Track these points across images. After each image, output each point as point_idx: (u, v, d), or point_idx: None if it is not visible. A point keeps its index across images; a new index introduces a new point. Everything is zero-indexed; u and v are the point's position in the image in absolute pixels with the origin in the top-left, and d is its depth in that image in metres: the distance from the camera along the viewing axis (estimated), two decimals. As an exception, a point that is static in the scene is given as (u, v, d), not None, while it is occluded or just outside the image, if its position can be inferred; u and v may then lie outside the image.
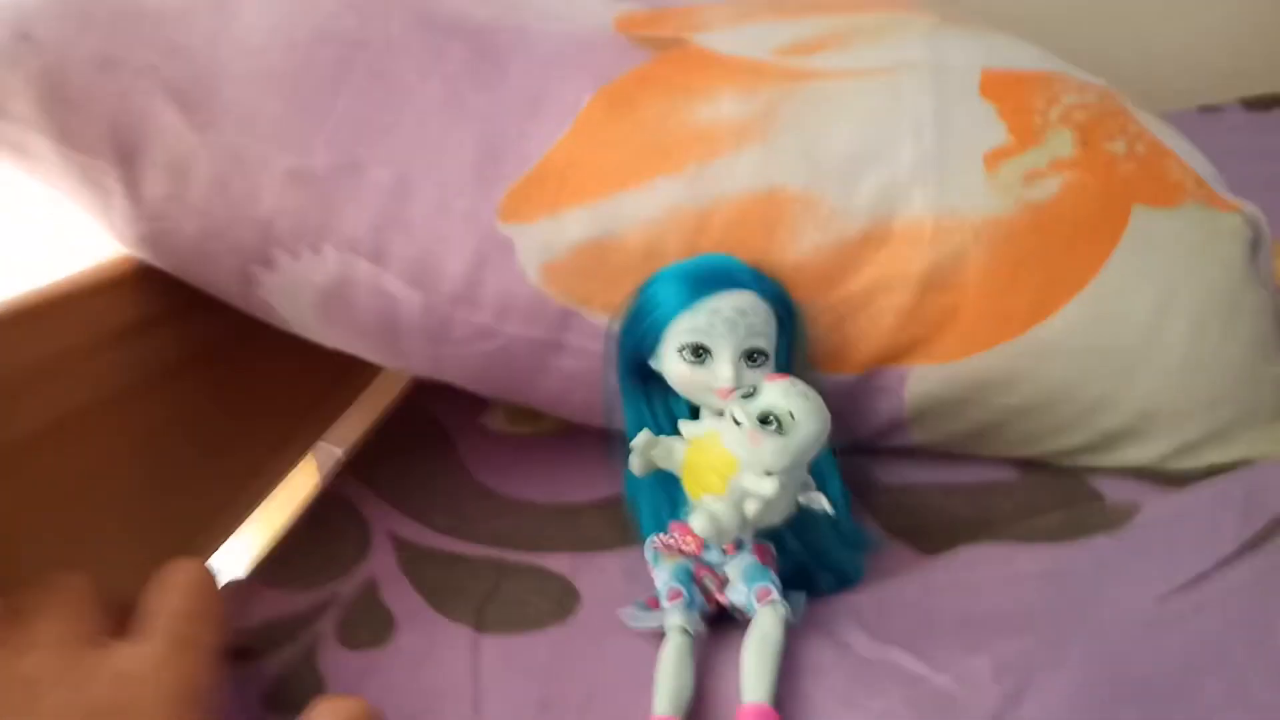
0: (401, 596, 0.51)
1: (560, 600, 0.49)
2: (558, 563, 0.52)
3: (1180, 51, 1.28)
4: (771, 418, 0.41)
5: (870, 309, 0.51)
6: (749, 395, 0.43)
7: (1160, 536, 0.45)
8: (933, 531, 0.49)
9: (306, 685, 0.45)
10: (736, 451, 0.42)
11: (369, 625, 0.49)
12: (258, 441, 0.67)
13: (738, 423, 0.42)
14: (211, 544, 0.61)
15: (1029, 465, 0.54)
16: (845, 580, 0.46)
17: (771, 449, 0.41)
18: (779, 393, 0.42)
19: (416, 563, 0.54)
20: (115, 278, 0.55)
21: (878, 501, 0.52)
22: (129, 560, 0.53)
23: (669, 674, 0.40)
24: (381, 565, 0.54)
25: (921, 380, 0.51)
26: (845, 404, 0.52)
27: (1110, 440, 0.51)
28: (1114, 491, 0.50)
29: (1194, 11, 1.28)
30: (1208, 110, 1.12)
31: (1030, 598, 0.43)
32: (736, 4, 0.59)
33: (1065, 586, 0.43)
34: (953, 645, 0.40)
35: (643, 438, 0.44)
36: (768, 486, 0.41)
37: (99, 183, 0.50)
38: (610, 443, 0.55)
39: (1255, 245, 0.51)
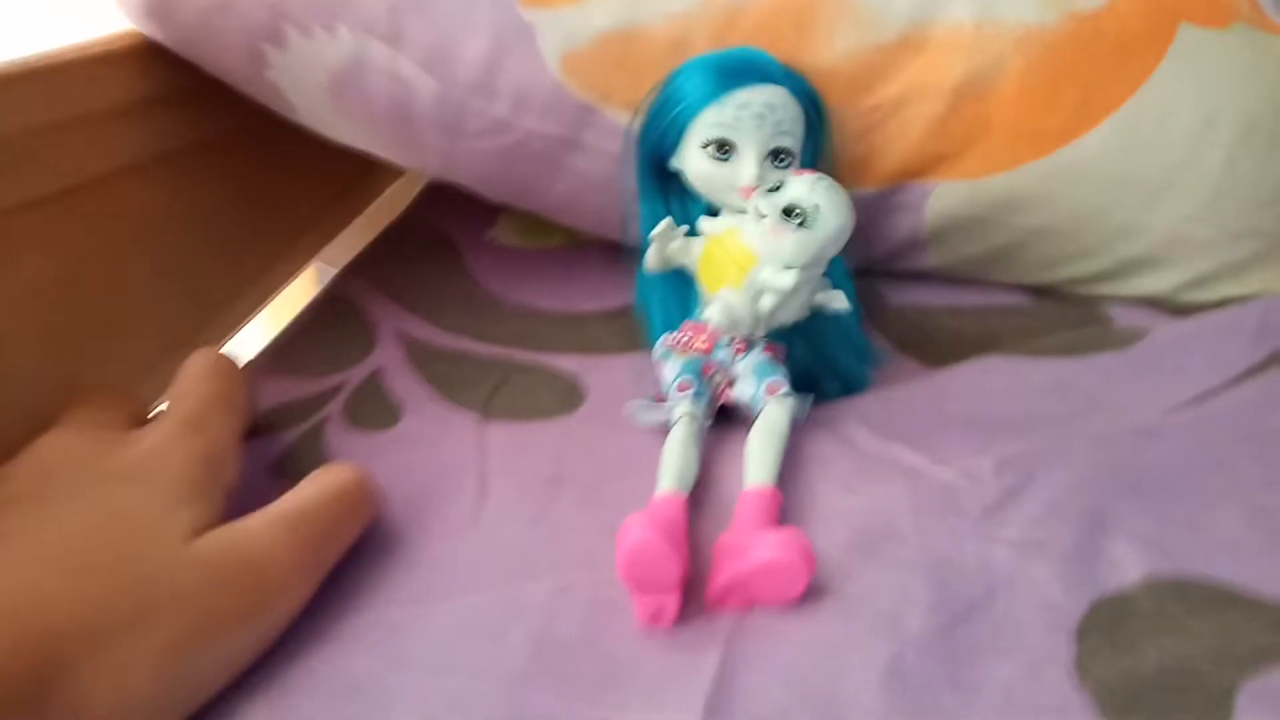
0: (408, 386, 0.51)
1: (567, 395, 0.49)
2: (565, 362, 0.52)
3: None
4: (796, 210, 0.40)
5: (900, 118, 0.49)
6: (774, 190, 0.42)
7: (1169, 355, 0.45)
8: (941, 348, 0.49)
9: (312, 460, 0.46)
10: (757, 245, 0.41)
11: (376, 410, 0.49)
12: (262, 241, 0.66)
13: (761, 216, 0.41)
14: (217, 336, 0.61)
15: (1040, 291, 0.54)
16: (852, 389, 0.46)
17: (793, 241, 0.40)
18: (805, 186, 0.41)
19: (423, 357, 0.54)
20: (123, 50, 0.52)
21: (887, 319, 0.52)
22: (131, 341, 0.53)
23: (675, 454, 0.40)
24: (389, 359, 0.54)
25: (945, 197, 0.50)
26: (865, 220, 0.51)
27: (1127, 268, 0.51)
28: (1124, 318, 0.50)
29: None
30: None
31: (1036, 405, 0.43)
32: None
33: (1071, 396, 0.43)
34: (956, 444, 0.41)
35: (663, 224, 0.43)
36: (786, 279, 0.40)
37: None
38: (620, 257, 0.55)
39: (1301, 73, 0.50)
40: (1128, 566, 0.34)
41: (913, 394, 0.45)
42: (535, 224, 0.67)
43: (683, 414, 0.42)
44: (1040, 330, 0.50)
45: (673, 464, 0.40)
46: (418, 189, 0.78)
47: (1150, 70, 0.48)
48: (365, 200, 0.80)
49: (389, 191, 0.84)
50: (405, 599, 0.37)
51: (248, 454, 0.46)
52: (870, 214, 0.52)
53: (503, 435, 0.46)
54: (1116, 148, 0.48)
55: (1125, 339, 0.47)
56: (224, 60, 0.52)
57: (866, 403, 0.45)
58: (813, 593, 0.34)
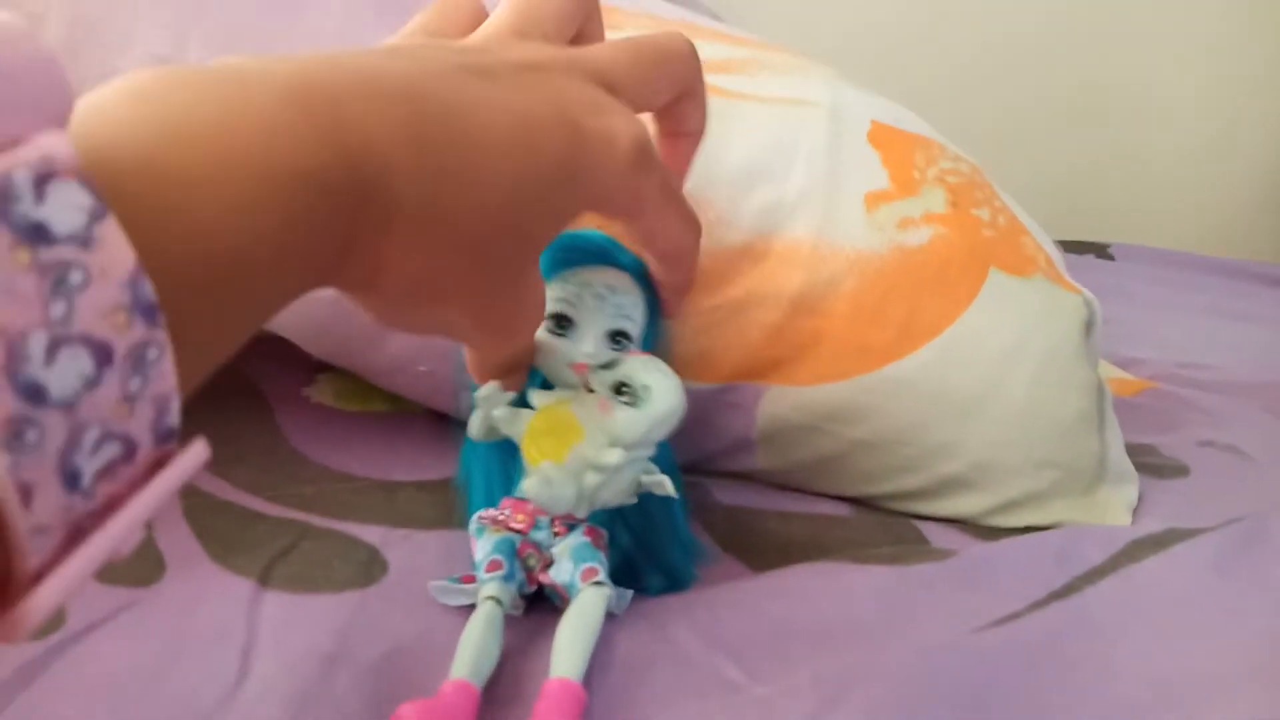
0: (179, 543, 0.45)
1: (367, 567, 0.44)
2: (368, 533, 0.47)
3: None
4: (626, 388, 0.40)
5: (739, 320, 0.50)
6: (607, 366, 0.41)
7: (982, 574, 0.46)
8: (766, 551, 0.48)
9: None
10: (585, 419, 0.40)
11: (134, 564, 0.42)
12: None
13: (591, 391, 0.40)
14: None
15: (861, 505, 0.54)
16: (675, 584, 0.44)
17: (623, 419, 0.39)
18: (639, 365, 0.40)
19: (203, 512, 0.48)
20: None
21: (714, 517, 0.51)
22: None
23: (473, 640, 0.36)
24: (163, 510, 0.47)
25: (776, 401, 0.51)
26: (697, 414, 0.51)
27: (944, 487, 0.52)
28: (937, 538, 0.51)
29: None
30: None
31: (856, 610, 0.42)
32: (654, 18, 0.60)
33: (889, 602, 0.43)
34: (776, 656, 0.39)
35: (488, 387, 0.41)
36: (612, 456, 0.38)
37: None
38: (443, 430, 0.52)
39: (1090, 325, 0.55)
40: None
41: (736, 595, 0.43)
42: (356, 387, 0.63)
43: (487, 596, 0.38)
44: (863, 541, 0.50)
45: (468, 650, 0.36)
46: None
47: (966, 304, 0.52)
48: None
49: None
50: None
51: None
52: (704, 409, 0.52)
53: (279, 606, 0.40)
54: (936, 369, 0.51)
55: (941, 554, 0.47)
56: None
57: (693, 603, 0.42)
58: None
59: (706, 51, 0.57)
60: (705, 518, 0.52)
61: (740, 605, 0.42)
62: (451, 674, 0.35)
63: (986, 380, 0.51)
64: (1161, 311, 1.03)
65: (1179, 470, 0.61)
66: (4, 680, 0.34)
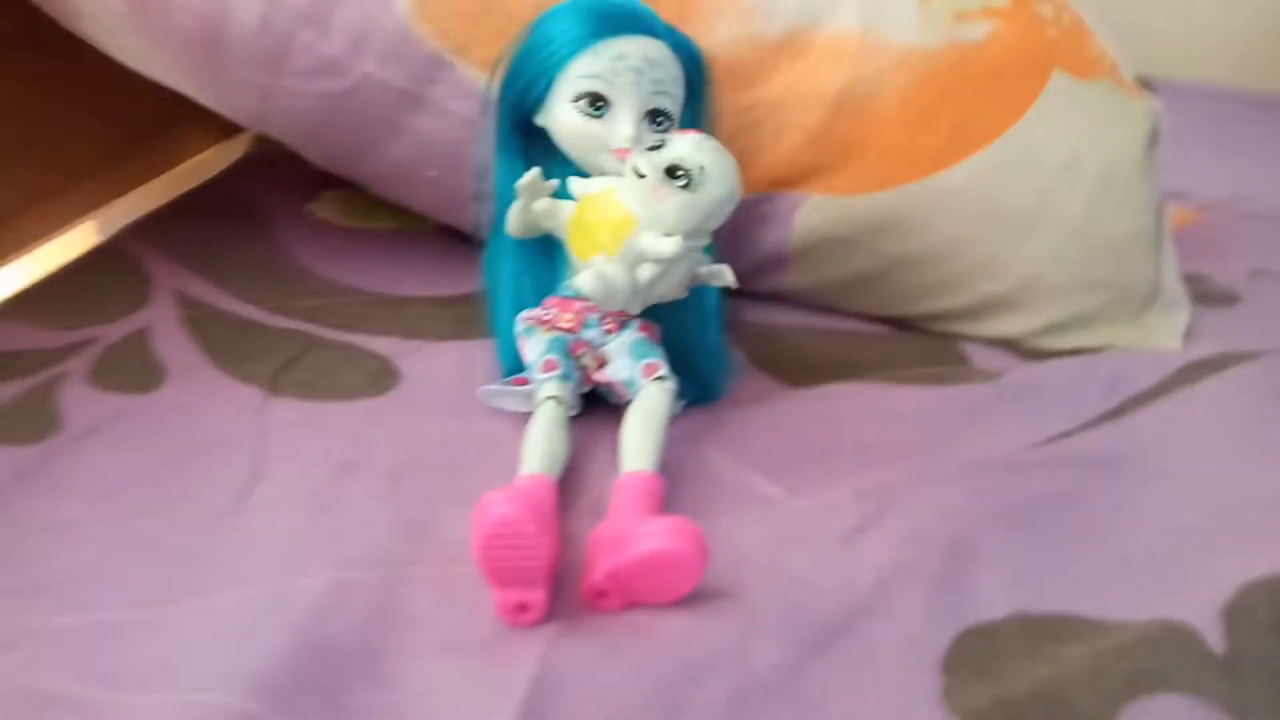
0: (178, 351, 0.42)
1: (377, 376, 0.42)
2: (378, 344, 0.45)
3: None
4: (680, 171, 0.36)
5: (776, 122, 0.46)
6: (655, 148, 0.37)
7: (1030, 396, 0.44)
8: (798, 368, 0.46)
9: (36, 417, 0.36)
10: (636, 208, 0.36)
11: (131, 371, 0.40)
12: (29, 177, 0.55)
13: (640, 175, 0.36)
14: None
15: (899, 326, 0.51)
16: (707, 394, 0.42)
17: (677, 205, 0.36)
18: (690, 145, 0.37)
19: (203, 322, 0.45)
20: None
21: (746, 334, 0.48)
22: None
23: (541, 438, 0.34)
24: (159, 318, 0.45)
25: (814, 211, 0.48)
26: (728, 228, 0.48)
27: (987, 307, 0.49)
28: (980, 358, 0.48)
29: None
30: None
31: (897, 433, 0.40)
32: None
33: (932, 424, 0.41)
34: (813, 473, 0.37)
35: (531, 174, 0.37)
36: (667, 246, 0.35)
37: None
38: (454, 246, 0.49)
39: (1154, 137, 0.51)
40: (993, 601, 0.31)
41: (768, 416, 0.41)
42: (362, 203, 0.59)
43: (548, 396, 0.36)
44: (902, 359, 0.47)
45: (539, 447, 0.34)
46: (230, 160, 0.68)
47: (1024, 109, 0.47)
48: (166, 160, 0.70)
49: (197, 160, 0.74)
50: (136, 598, 0.29)
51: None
52: (737, 221, 0.48)
53: (290, 413, 0.38)
54: (986, 179, 0.47)
55: (985, 376, 0.45)
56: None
57: (724, 421, 0.40)
58: (651, 620, 0.29)
59: None
60: (738, 334, 0.49)
61: (774, 426, 0.40)
62: (523, 468, 0.33)
63: (1041, 192, 0.47)
64: (1208, 145, 0.97)
65: (1229, 298, 0.58)
66: (3, 482, 0.32)
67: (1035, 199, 0.47)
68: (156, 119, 0.61)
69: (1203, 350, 0.48)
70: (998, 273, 0.48)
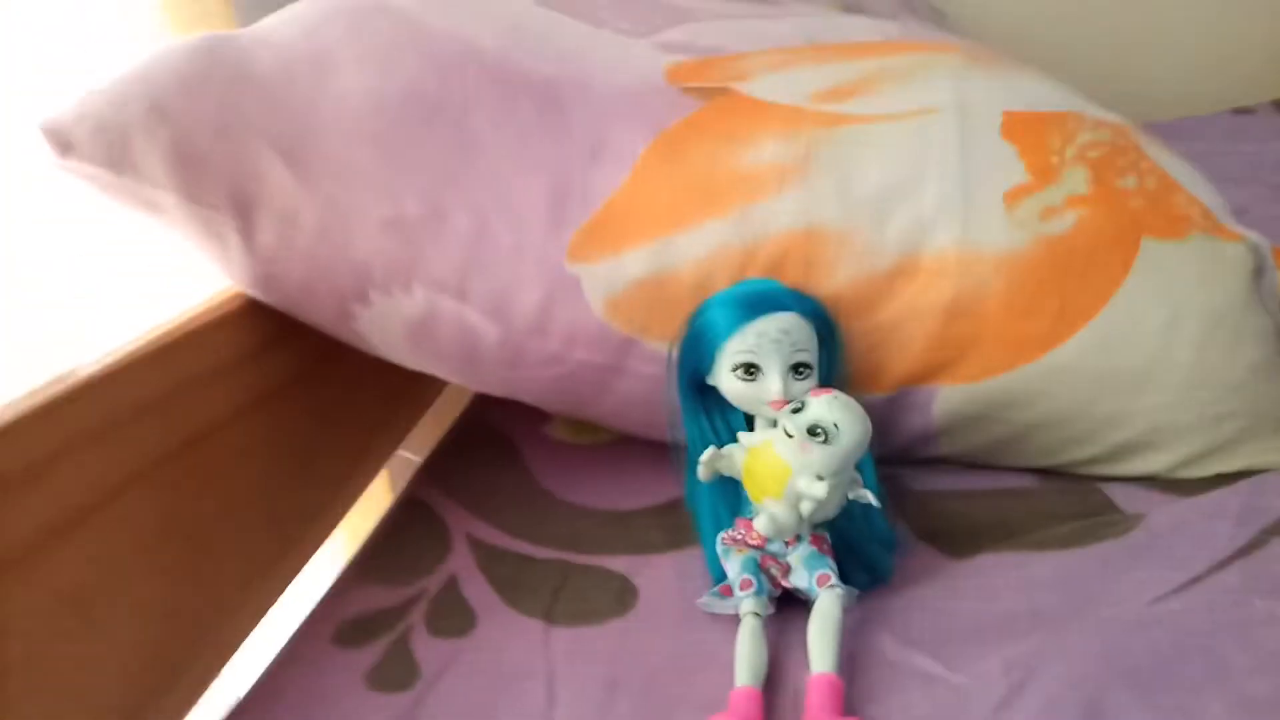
0: (479, 592, 0.57)
1: (620, 596, 0.55)
2: (616, 563, 0.58)
3: (1215, 55, 1.30)
4: (819, 429, 0.47)
5: (900, 335, 0.56)
6: (798, 410, 0.49)
7: (1162, 542, 0.50)
8: (957, 535, 0.55)
9: (402, 667, 0.52)
10: (789, 459, 0.48)
11: (453, 617, 0.55)
12: (344, 452, 0.75)
13: (789, 435, 0.48)
14: (309, 548, 0.68)
15: (1047, 474, 0.59)
16: (877, 578, 0.52)
17: (820, 456, 0.47)
18: (823, 406, 0.48)
19: (491, 562, 0.60)
20: (230, 312, 0.62)
21: (907, 506, 0.58)
22: (235, 565, 0.60)
23: (746, 650, 0.46)
24: (461, 564, 0.60)
25: (948, 399, 0.57)
26: (879, 419, 0.58)
27: (1122, 452, 0.56)
28: (1125, 499, 0.55)
29: (1228, 16, 1.30)
30: (1241, 112, 1.15)
31: (1040, 600, 0.48)
32: (778, 51, 0.65)
33: (1071, 589, 0.48)
34: (969, 647, 0.46)
35: (709, 453, 0.51)
36: (819, 489, 0.47)
37: (219, 233, 0.57)
38: (663, 451, 0.62)
39: (1259, 272, 0.56)
40: (1126, 758, 0.38)
41: (929, 594, 0.50)
42: (587, 422, 0.74)
43: (748, 612, 0.48)
44: (1047, 516, 0.55)
45: (746, 658, 0.46)
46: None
47: (1119, 281, 0.54)
48: (429, 398, 0.89)
49: (450, 388, 0.92)
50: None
51: (339, 665, 0.53)
52: (883, 414, 0.58)
53: (564, 641, 0.52)
54: (1096, 349, 0.54)
55: (1124, 527, 0.52)
56: (318, 316, 0.62)
57: (889, 605, 0.50)
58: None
59: (827, 77, 0.62)
60: (899, 505, 0.59)
61: (932, 605, 0.49)
62: (736, 682, 0.45)
63: (1149, 351, 0.54)
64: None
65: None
66: (391, 725, 0.48)
67: (1144, 358, 0.54)
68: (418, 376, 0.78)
69: (1344, 462, 0.52)
70: (1124, 423, 0.55)
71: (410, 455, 0.85)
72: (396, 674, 0.51)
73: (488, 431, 0.78)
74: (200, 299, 0.61)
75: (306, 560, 0.67)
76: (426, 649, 0.53)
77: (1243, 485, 0.53)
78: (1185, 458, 0.55)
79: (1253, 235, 0.56)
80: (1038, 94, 0.62)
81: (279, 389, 0.66)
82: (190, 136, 0.54)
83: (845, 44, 0.66)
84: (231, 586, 0.60)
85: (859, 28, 0.70)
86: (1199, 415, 0.54)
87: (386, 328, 0.60)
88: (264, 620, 0.62)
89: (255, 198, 0.56)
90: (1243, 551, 0.48)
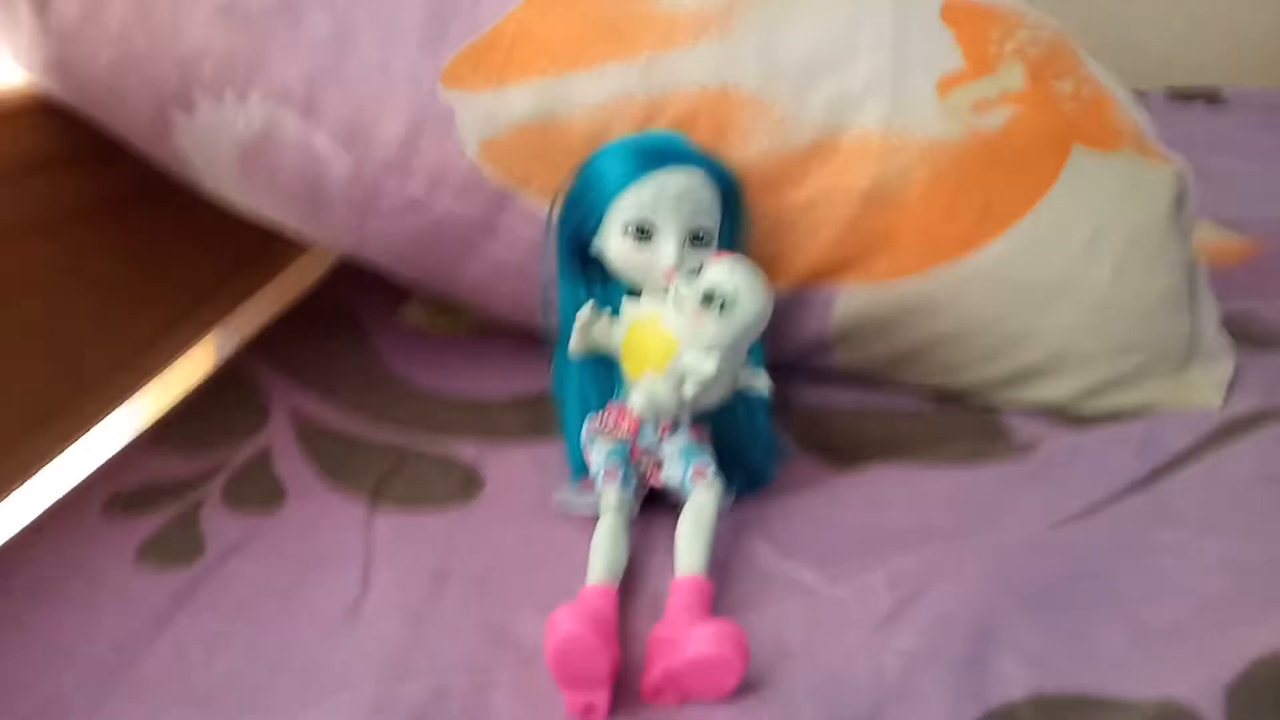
0: (294, 469, 0.49)
1: (463, 484, 0.48)
2: (464, 450, 0.51)
3: (1116, 38, 1.31)
4: (716, 296, 0.41)
5: (810, 220, 0.50)
6: (693, 274, 0.42)
7: (1059, 469, 0.46)
8: (844, 448, 0.50)
9: (185, 541, 0.43)
10: (678, 330, 0.41)
11: (257, 492, 0.47)
12: (157, 309, 0.64)
13: (681, 294, 0.41)
14: (103, 406, 0.57)
15: (943, 397, 0.54)
16: (756, 480, 0.46)
17: (714, 327, 0.41)
18: (723, 271, 0.41)
19: (314, 439, 0.51)
20: (14, 107, 0.51)
21: (793, 416, 0.52)
22: (15, 407, 0.50)
23: (603, 545, 0.39)
24: (278, 439, 0.51)
25: (851, 299, 0.51)
26: (773, 318, 0.52)
27: (1024, 376, 0.52)
28: (1022, 427, 0.51)
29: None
30: (1135, 95, 1.15)
31: (930, 516, 0.43)
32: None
33: (964, 508, 0.44)
34: (851, 559, 0.41)
35: (586, 310, 0.43)
36: (708, 365, 0.40)
37: None
38: (529, 345, 0.54)
39: (1181, 200, 0.52)
40: (1014, 682, 0.34)
41: (812, 503, 0.45)
42: (446, 306, 0.66)
43: (610, 506, 0.41)
44: (942, 435, 0.50)
45: (603, 554, 0.39)
46: (327, 263, 0.76)
47: (1047, 186, 0.50)
48: (272, 271, 0.78)
49: (297, 263, 0.82)
50: (270, 704, 0.34)
51: (111, 536, 0.43)
52: (780, 311, 0.52)
53: (390, 524, 0.44)
54: (1014, 257, 0.50)
55: (1021, 451, 0.48)
56: (128, 122, 0.51)
57: (771, 511, 0.44)
58: (701, 714, 0.33)
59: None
60: (786, 416, 0.53)
61: (814, 514, 0.44)
62: (590, 576, 0.38)
63: (1068, 266, 0.50)
64: (1275, 164, 0.96)
65: (1279, 339, 0.59)
66: (162, 606, 0.39)
67: (1061, 272, 0.50)
68: (259, 237, 0.68)
69: (1240, 405, 0.50)
70: (1030, 343, 0.51)
71: (235, 332, 0.75)
72: (175, 548, 0.43)
73: (334, 309, 0.68)
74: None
75: (96, 419, 0.56)
76: (218, 524, 0.44)
77: (1138, 422, 0.50)
78: (1085, 387, 0.51)
79: (1180, 161, 0.53)
80: (981, -14, 0.56)
81: (74, 215, 0.55)
82: None
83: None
84: (3, 429, 0.49)
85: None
86: (1104, 342, 0.51)
87: (214, 147, 0.50)
88: (33, 478, 0.51)
89: None
90: (1140, 485, 0.45)
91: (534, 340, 0.53)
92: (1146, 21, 1.32)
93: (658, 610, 0.38)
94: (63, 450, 0.54)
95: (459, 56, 0.48)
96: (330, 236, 0.56)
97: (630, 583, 0.40)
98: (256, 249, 0.74)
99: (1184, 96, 1.16)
